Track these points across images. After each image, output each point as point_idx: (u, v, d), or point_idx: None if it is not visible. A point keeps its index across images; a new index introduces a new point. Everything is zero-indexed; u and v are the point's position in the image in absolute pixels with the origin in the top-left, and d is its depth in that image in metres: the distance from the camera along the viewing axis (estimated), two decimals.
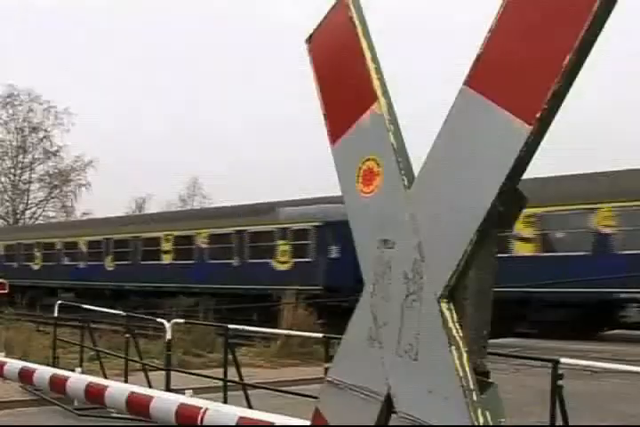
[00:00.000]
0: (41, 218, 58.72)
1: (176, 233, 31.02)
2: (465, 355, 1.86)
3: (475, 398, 1.80)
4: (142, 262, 32.42)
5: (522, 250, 20.51)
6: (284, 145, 67.29)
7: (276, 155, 66.14)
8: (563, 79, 1.67)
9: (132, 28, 75.42)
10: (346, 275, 17.42)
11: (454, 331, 1.89)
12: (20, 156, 58.11)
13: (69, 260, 37.17)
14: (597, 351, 15.25)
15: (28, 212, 58.59)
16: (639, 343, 17.20)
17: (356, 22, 2.29)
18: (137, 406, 4.63)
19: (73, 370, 8.81)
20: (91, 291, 33.16)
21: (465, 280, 1.96)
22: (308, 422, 2.57)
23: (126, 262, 33.08)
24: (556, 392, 6.40)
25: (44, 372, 5.75)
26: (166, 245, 31.40)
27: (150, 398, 4.59)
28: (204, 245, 29.67)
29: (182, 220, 32.94)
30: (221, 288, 27.26)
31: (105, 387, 5.01)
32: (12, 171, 58.22)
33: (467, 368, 1.84)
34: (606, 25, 1.65)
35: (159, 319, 11.75)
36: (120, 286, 32.45)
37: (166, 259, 31.42)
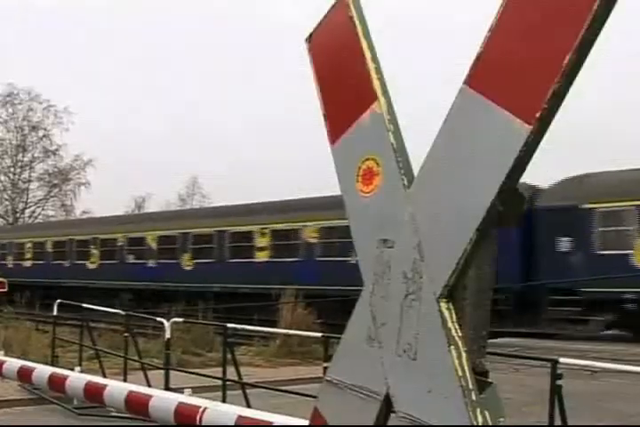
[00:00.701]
0: (40, 217, 58.74)
1: (275, 226, 26.86)
2: (464, 355, 1.86)
3: (474, 397, 1.80)
4: (230, 261, 28.42)
5: None
6: (284, 145, 67.32)
7: (276, 154, 66.22)
8: (563, 79, 1.67)
9: (132, 27, 75.45)
10: None
11: (453, 331, 1.89)
12: (20, 154, 58.11)
13: (135, 258, 32.77)
14: (596, 351, 15.27)
15: (27, 211, 58.62)
16: (638, 343, 17.19)
17: (356, 22, 2.29)
18: (136, 405, 4.63)
19: (72, 369, 8.82)
20: (161, 293, 29.44)
21: (464, 280, 1.96)
22: (307, 422, 2.57)
23: (209, 261, 29.05)
24: (555, 392, 6.40)
25: (43, 371, 5.75)
26: (262, 241, 27.34)
27: (149, 397, 4.58)
28: (312, 240, 25.65)
29: (279, 211, 27.61)
30: (339, 290, 22.19)
31: (104, 386, 5.01)
32: (12, 170, 58.25)
33: (466, 368, 1.84)
34: (606, 24, 1.65)
35: (158, 318, 11.76)
36: (203, 288, 28.05)
37: (261, 256, 27.36)
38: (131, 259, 32.91)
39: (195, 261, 29.83)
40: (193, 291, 28.03)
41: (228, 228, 28.61)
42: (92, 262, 34.88)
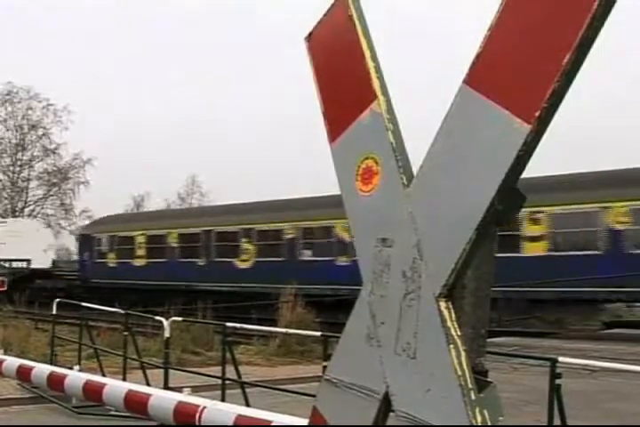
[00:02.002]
0: (40, 216, 58.70)
1: None
2: (463, 354, 1.86)
3: (473, 397, 1.80)
4: None
5: None
6: (284, 144, 67.33)
7: (276, 154, 66.23)
8: (562, 78, 1.67)
9: (131, 27, 75.39)
10: None
11: (453, 330, 1.89)
12: (19, 153, 57.99)
13: (314, 254, 26.03)
14: (596, 350, 15.27)
15: (26, 209, 58.52)
16: (638, 342, 17.20)
17: (356, 21, 2.29)
18: (135, 404, 4.63)
19: (71, 368, 8.81)
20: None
21: (463, 279, 1.96)
22: (306, 421, 2.57)
23: None
24: (555, 391, 6.40)
25: (42, 369, 5.75)
26: None
27: (148, 396, 4.59)
28: None
29: None
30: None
31: (103, 385, 5.01)
32: (11, 168, 58.13)
33: (465, 367, 1.84)
34: (606, 24, 1.65)
35: (157, 317, 11.76)
36: None
37: None
38: (306, 255, 25.70)
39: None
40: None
41: None
42: (242, 261, 27.97)
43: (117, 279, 32.38)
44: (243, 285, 26.16)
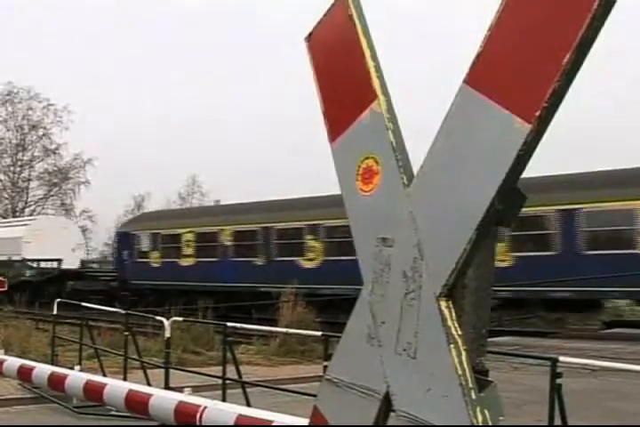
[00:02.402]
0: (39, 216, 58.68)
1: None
2: (464, 353, 1.86)
3: (473, 396, 1.81)
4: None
5: None
6: (284, 144, 67.36)
7: (275, 153, 66.26)
8: (562, 78, 1.67)
9: (131, 27, 75.40)
10: None
11: (453, 329, 1.89)
12: (20, 153, 58.02)
13: None
14: (596, 350, 15.28)
15: (27, 210, 58.50)
16: (637, 341, 17.20)
17: (356, 20, 2.29)
18: (136, 403, 4.63)
19: (72, 368, 8.81)
20: None
21: (464, 279, 1.96)
22: (307, 421, 2.57)
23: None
24: (555, 391, 6.40)
25: (42, 369, 5.76)
26: None
27: (149, 395, 4.59)
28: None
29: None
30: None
31: (104, 385, 5.01)
32: (12, 168, 58.16)
33: (465, 367, 1.84)
34: (606, 24, 1.65)
35: (158, 317, 11.76)
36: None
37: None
38: None
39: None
40: None
41: None
42: (308, 260, 25.91)
43: (161, 280, 29.88)
44: (309, 286, 23.09)
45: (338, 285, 21.65)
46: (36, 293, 29.53)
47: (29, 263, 36.73)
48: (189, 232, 30.24)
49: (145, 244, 32.57)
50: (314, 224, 25.27)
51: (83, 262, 40.21)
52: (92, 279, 35.20)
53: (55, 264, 36.79)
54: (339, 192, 2.35)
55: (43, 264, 36.88)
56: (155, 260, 31.80)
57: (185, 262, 30.12)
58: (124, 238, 33.96)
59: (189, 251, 30.04)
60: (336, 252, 23.84)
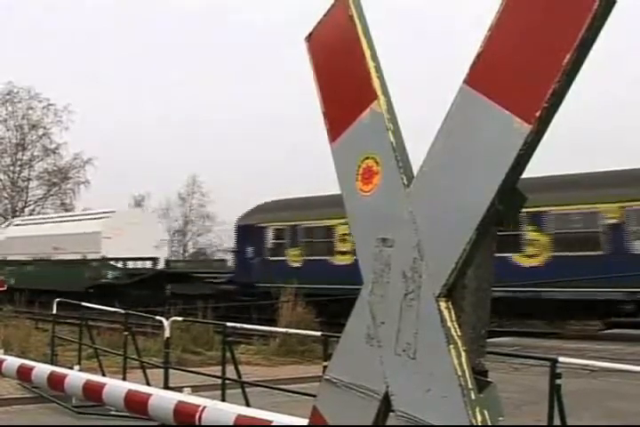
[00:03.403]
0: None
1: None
2: (463, 354, 1.86)
3: (473, 397, 1.80)
4: None
5: None
6: (283, 144, 67.36)
7: (275, 153, 66.29)
8: (563, 78, 1.67)
9: (131, 27, 75.40)
10: None
11: (453, 330, 1.89)
12: (19, 153, 58.00)
13: None
14: (595, 350, 15.27)
15: (26, 209, 58.50)
16: (637, 342, 17.20)
17: (356, 20, 2.29)
18: (135, 403, 4.63)
19: (71, 367, 8.80)
20: None
21: (464, 279, 1.96)
22: (307, 421, 2.57)
23: None
24: (555, 391, 6.40)
25: (42, 369, 5.75)
26: None
27: (148, 395, 4.58)
28: None
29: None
30: None
31: (103, 385, 5.00)
32: (11, 168, 58.13)
33: (465, 367, 1.84)
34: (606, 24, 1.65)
35: (158, 317, 11.76)
36: None
37: None
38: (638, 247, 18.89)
39: None
40: None
41: None
42: (527, 257, 20.65)
43: (305, 282, 22.31)
44: (533, 289, 18.89)
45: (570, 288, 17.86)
46: (123, 298, 24.78)
47: (113, 263, 31.61)
48: (345, 224, 24.53)
49: (278, 238, 26.75)
50: (537, 212, 19.01)
51: (167, 262, 35.12)
52: (197, 282, 29.10)
53: (143, 264, 31.97)
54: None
55: (131, 264, 31.93)
56: (294, 258, 26.08)
57: (340, 261, 24.12)
58: (247, 233, 27.33)
59: (346, 247, 23.70)
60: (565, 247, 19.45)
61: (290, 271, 24.96)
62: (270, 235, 27.06)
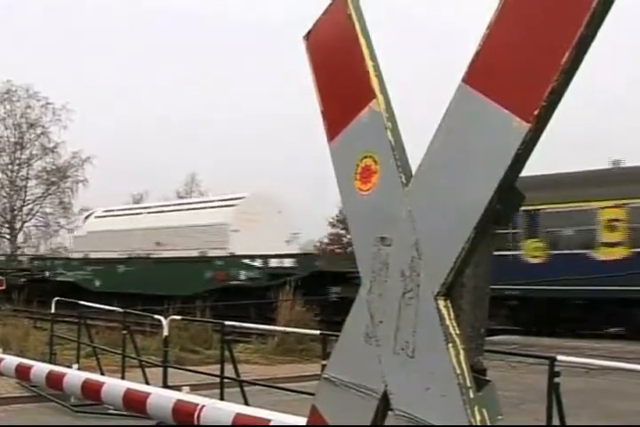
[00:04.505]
0: (38, 214, 58.67)
1: None
2: (462, 352, 1.86)
3: (472, 395, 1.80)
4: None
5: None
6: (283, 144, 67.39)
7: (275, 153, 66.31)
8: (561, 76, 1.67)
9: (131, 26, 75.35)
10: None
11: (451, 328, 1.88)
12: (18, 152, 57.93)
13: None
14: (594, 349, 15.29)
15: (25, 208, 58.48)
16: (635, 341, 17.21)
17: (355, 19, 2.29)
18: (133, 402, 4.63)
19: (70, 366, 8.80)
20: None
21: (462, 278, 1.96)
22: (305, 419, 2.57)
23: None
24: (553, 390, 6.41)
25: (40, 368, 5.74)
26: None
27: (147, 394, 4.58)
28: None
29: None
30: None
31: (102, 383, 5.00)
32: (10, 167, 58.06)
33: (464, 366, 1.84)
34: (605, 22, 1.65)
35: (156, 316, 11.76)
36: None
37: None
38: None
39: None
40: None
41: None
42: None
43: (549, 283, 18.27)
44: None
45: None
46: (261, 304, 21.64)
47: (246, 261, 25.59)
48: (616, 207, 19.32)
49: (507, 227, 20.08)
50: None
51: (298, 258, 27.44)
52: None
53: (289, 262, 25.28)
54: None
55: (272, 262, 25.53)
56: (533, 252, 20.86)
57: (605, 255, 19.27)
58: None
59: (615, 237, 19.36)
60: None
61: (526, 269, 20.12)
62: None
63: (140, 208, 34.86)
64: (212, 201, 30.23)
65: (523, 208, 18.48)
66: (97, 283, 30.32)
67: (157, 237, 28.97)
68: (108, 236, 31.22)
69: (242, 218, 26.70)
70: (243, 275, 25.33)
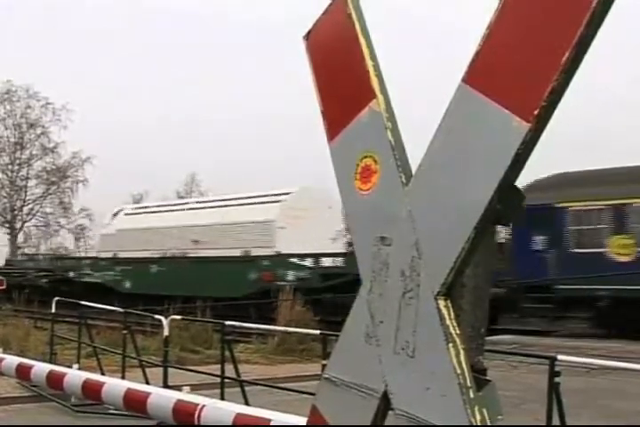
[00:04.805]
0: (39, 214, 58.67)
1: None
2: (462, 352, 1.86)
3: (472, 395, 1.80)
4: None
5: None
6: (283, 144, 67.39)
7: (275, 152, 66.30)
8: (561, 76, 1.67)
9: (131, 27, 75.34)
10: None
11: (451, 328, 1.89)
12: (18, 152, 57.98)
13: None
14: (595, 349, 15.28)
15: (25, 208, 58.50)
16: (634, 341, 17.20)
17: (355, 19, 2.29)
18: (134, 402, 4.63)
19: (70, 366, 8.80)
20: None
21: (462, 278, 1.96)
22: (306, 419, 2.57)
23: None
24: (553, 389, 6.41)
25: (41, 368, 5.74)
26: None
27: (147, 394, 4.58)
28: None
29: None
30: None
31: (102, 383, 5.00)
32: (10, 167, 58.10)
33: (464, 366, 1.84)
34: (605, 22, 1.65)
35: (157, 316, 11.76)
36: None
37: None
38: None
39: None
40: None
41: None
42: None
43: None
44: None
45: None
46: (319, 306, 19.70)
47: (295, 260, 23.75)
48: None
49: (591, 223, 19.77)
50: None
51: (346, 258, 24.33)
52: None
53: (338, 261, 23.03)
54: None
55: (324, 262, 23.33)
56: (621, 250, 19.28)
57: None
58: (534, 216, 17.84)
59: None
60: None
61: (613, 268, 18.09)
62: (576, 218, 20.01)
63: (176, 204, 32.75)
64: (257, 197, 27.67)
65: (608, 202, 18.45)
66: (127, 284, 28.74)
67: (194, 236, 27.29)
68: (139, 234, 29.45)
69: (289, 214, 25.12)
70: (291, 275, 23.34)
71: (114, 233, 31.54)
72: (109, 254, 31.37)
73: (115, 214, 33.57)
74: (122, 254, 30.39)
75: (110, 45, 76.14)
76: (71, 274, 32.46)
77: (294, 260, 23.98)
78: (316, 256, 23.69)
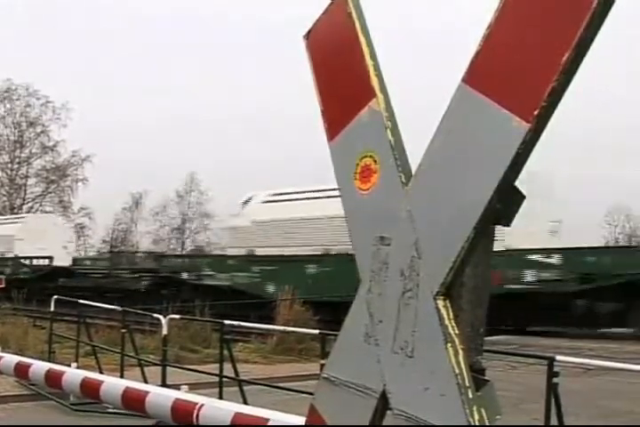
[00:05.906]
0: (38, 213, 58.60)
1: None
2: (461, 352, 1.86)
3: (470, 395, 1.80)
4: None
5: None
6: (284, 144, 67.39)
7: (275, 152, 66.30)
8: (561, 76, 1.67)
9: (131, 26, 75.27)
10: None
11: (450, 328, 1.89)
12: (17, 150, 58.04)
13: None
14: (593, 349, 15.29)
15: (25, 207, 58.50)
16: (634, 341, 17.22)
17: (355, 18, 2.29)
18: (132, 401, 4.62)
19: (69, 365, 8.81)
20: None
21: (462, 277, 1.96)
22: (304, 419, 2.57)
23: None
24: (552, 390, 6.41)
25: (39, 367, 5.74)
26: None
27: (146, 393, 4.58)
28: None
29: None
30: None
31: (100, 382, 5.00)
32: (9, 165, 58.16)
33: (462, 366, 1.84)
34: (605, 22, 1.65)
35: (155, 315, 11.77)
36: None
37: None
38: None
39: None
40: None
41: None
42: None
43: None
44: None
45: None
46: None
47: (533, 257, 20.01)
48: None
49: None
50: None
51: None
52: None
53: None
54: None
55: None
56: None
57: None
58: None
59: None
60: None
61: None
62: None
63: (326, 191, 22.54)
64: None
65: None
66: (270, 288, 23.26)
67: None
68: (282, 226, 24.24)
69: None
70: (530, 276, 19.33)
71: (247, 225, 26.03)
72: (243, 251, 25.57)
73: (245, 202, 27.67)
74: (260, 251, 25.01)
75: (110, 45, 76.13)
76: (184, 275, 27.36)
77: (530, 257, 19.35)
78: (552, 252, 19.19)
